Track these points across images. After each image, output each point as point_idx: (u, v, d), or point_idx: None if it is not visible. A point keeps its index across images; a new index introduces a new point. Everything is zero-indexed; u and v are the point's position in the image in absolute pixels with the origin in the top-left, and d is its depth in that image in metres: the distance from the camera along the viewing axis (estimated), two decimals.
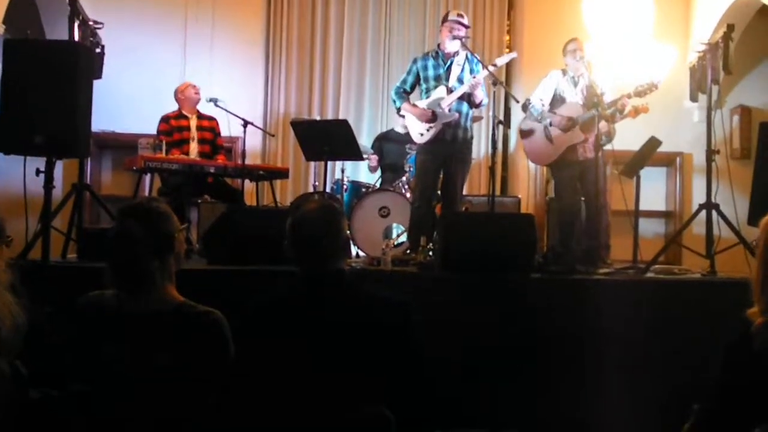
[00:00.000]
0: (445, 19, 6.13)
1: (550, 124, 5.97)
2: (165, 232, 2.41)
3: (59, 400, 2.08)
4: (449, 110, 5.96)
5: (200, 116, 7.05)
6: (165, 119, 6.90)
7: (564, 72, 6.11)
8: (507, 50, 8.62)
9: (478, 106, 6.15)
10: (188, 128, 6.93)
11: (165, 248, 2.40)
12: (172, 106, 7.07)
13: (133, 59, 7.92)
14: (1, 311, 1.83)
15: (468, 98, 6.02)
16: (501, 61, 6.34)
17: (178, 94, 7.05)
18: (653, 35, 7.74)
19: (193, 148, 6.85)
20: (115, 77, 6.74)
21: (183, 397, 2.24)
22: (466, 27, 6.07)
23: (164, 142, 6.52)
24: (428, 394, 2.42)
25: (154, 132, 6.82)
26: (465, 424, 4.42)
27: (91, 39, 5.70)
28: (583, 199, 6.12)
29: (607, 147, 6.38)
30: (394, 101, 6.29)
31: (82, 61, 4.56)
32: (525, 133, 6.21)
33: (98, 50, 5.83)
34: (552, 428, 4.50)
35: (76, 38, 5.26)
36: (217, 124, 7.09)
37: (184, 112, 6.98)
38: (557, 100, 6.08)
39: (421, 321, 2.47)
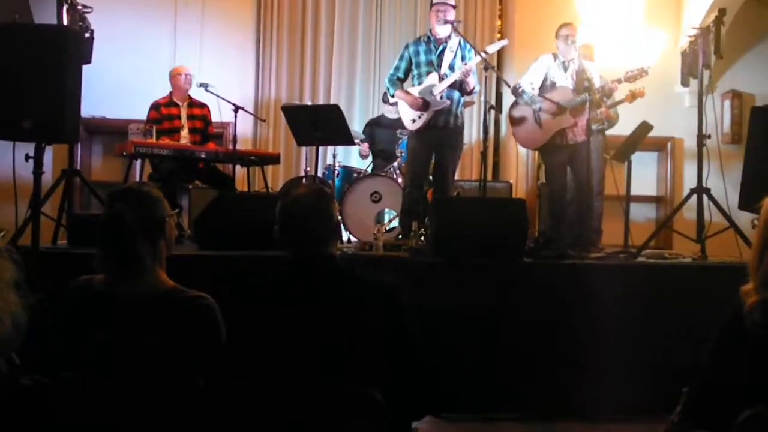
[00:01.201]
0: (431, 4, 6.11)
1: (540, 110, 5.97)
2: (156, 216, 2.40)
3: (50, 387, 2.07)
4: (441, 97, 5.94)
5: (191, 103, 6.95)
6: (155, 106, 6.82)
7: (555, 56, 6.10)
8: (498, 35, 8.61)
9: (470, 93, 6.14)
10: (178, 116, 6.85)
11: (156, 233, 2.39)
12: (162, 92, 7.02)
13: (122, 44, 7.86)
14: (3, 313, 1.80)
15: (460, 86, 6.00)
16: (492, 48, 6.32)
17: (171, 78, 6.97)
18: (644, 20, 7.75)
19: (184, 136, 6.77)
20: (105, 62, 6.68)
21: (173, 382, 2.24)
22: (453, 7, 6.05)
23: (155, 127, 6.47)
24: (419, 378, 2.42)
25: (145, 118, 6.78)
26: (457, 408, 4.44)
27: (80, 23, 5.66)
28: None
29: (609, 132, 6.43)
30: (388, 89, 6.30)
31: (71, 45, 4.52)
32: (514, 120, 6.21)
33: (87, 35, 5.78)
34: (544, 410, 4.52)
35: (65, 22, 5.23)
36: (209, 111, 6.99)
37: (175, 99, 6.89)
38: (547, 85, 6.07)
39: (413, 305, 2.47)
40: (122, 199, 2.36)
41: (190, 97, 6.97)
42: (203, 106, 7.00)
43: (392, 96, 6.32)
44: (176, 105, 6.88)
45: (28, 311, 1.85)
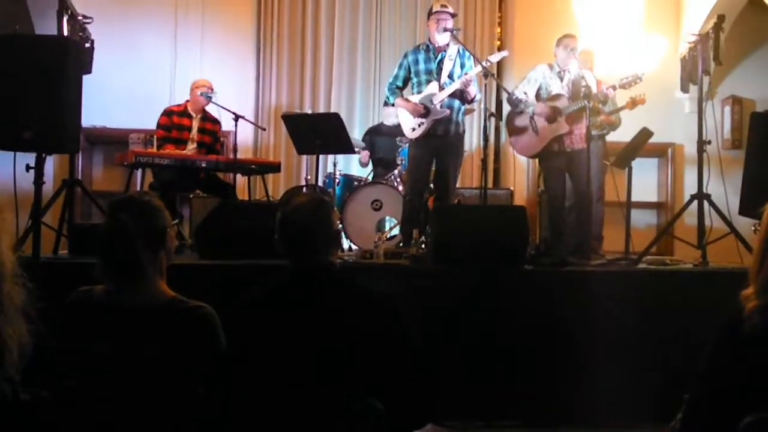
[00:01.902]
0: (430, 12, 6.11)
1: (534, 114, 5.99)
2: (157, 226, 2.40)
3: (50, 400, 2.06)
4: (441, 107, 5.95)
5: (204, 117, 6.85)
6: (168, 113, 6.75)
7: (551, 67, 6.11)
8: (498, 43, 8.65)
9: (471, 102, 6.13)
10: (189, 128, 6.76)
11: (157, 243, 2.38)
12: (163, 101, 7.02)
13: (123, 54, 7.89)
14: (10, 339, 1.81)
15: (460, 95, 6.01)
16: (494, 58, 6.34)
17: (191, 89, 6.84)
18: (644, 26, 7.76)
19: (190, 149, 6.70)
20: (105, 72, 6.71)
21: (174, 392, 2.24)
22: (453, 15, 6.05)
23: (155, 137, 6.46)
24: (420, 386, 2.42)
25: (146, 126, 6.77)
26: (458, 416, 4.43)
27: (81, 34, 5.67)
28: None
29: (610, 138, 6.44)
30: (388, 98, 6.30)
31: (72, 55, 4.53)
32: (512, 128, 6.24)
33: (88, 45, 5.80)
34: (545, 417, 4.51)
35: (65, 33, 5.24)
36: (220, 128, 6.92)
37: (189, 110, 6.80)
38: (542, 94, 6.08)
39: (414, 313, 2.47)
40: (124, 209, 2.35)
41: (204, 111, 6.88)
42: (216, 122, 6.91)
43: (392, 105, 6.32)
44: (189, 116, 6.78)
45: (33, 337, 1.86)
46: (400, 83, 6.17)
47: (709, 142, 5.65)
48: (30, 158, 4.54)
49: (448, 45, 6.05)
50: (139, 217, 2.34)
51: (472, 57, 6.05)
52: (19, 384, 1.85)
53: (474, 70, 5.96)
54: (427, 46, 6.11)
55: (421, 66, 6.06)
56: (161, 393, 2.23)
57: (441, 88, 5.96)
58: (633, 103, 6.30)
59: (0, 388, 1.82)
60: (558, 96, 5.99)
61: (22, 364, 1.83)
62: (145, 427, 2.23)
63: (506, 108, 6.76)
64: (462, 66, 6.03)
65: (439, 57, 6.04)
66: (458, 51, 6.07)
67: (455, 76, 5.99)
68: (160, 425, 2.23)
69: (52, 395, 2.06)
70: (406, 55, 6.20)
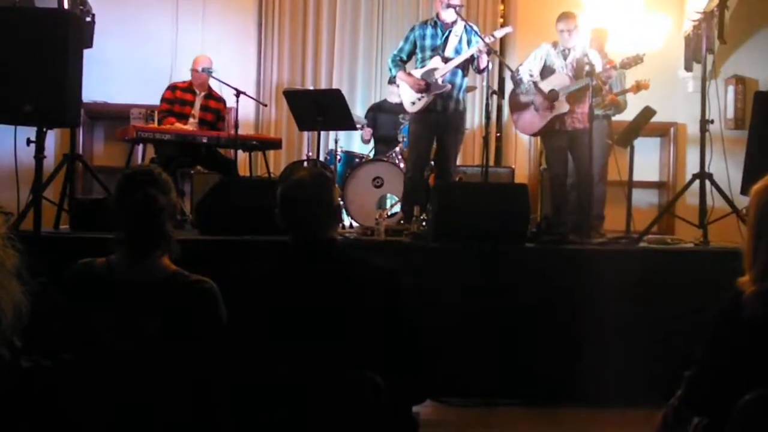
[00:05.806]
0: None
1: (533, 103, 5.97)
2: (174, 200, 2.45)
3: (51, 370, 2.07)
4: (442, 81, 5.92)
5: (208, 95, 6.86)
6: (172, 88, 6.78)
7: (555, 45, 6.08)
8: (501, 20, 8.58)
9: (482, 71, 6.05)
10: (191, 104, 6.76)
11: (173, 216, 2.45)
12: (164, 76, 7.00)
13: (124, 28, 7.84)
14: (5, 302, 1.80)
15: (463, 69, 5.98)
16: (498, 33, 6.30)
17: (192, 68, 6.84)
18: (648, 4, 7.70)
19: (192, 124, 6.68)
20: (106, 47, 6.68)
21: (174, 365, 2.25)
22: None
23: (156, 112, 6.45)
24: (419, 362, 2.42)
25: (147, 102, 6.76)
26: (458, 392, 4.45)
27: (81, 7, 5.63)
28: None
29: (615, 118, 6.43)
30: (390, 69, 6.26)
31: (72, 29, 4.51)
32: (513, 106, 6.21)
33: (88, 19, 5.76)
34: (544, 395, 4.53)
35: (66, 6, 5.21)
36: (225, 106, 6.92)
37: (194, 88, 6.80)
38: (546, 72, 6.05)
39: (414, 290, 2.47)
40: (150, 183, 2.38)
41: (209, 88, 6.89)
42: (220, 100, 6.93)
43: (394, 77, 6.29)
44: (193, 92, 6.80)
45: (30, 298, 1.85)
46: (404, 56, 6.13)
47: (712, 122, 5.62)
48: (30, 132, 4.53)
49: (455, 22, 6.01)
50: (164, 191, 2.38)
51: (477, 33, 6.01)
52: (20, 351, 1.85)
53: (480, 44, 5.90)
54: (435, 22, 6.06)
55: (428, 42, 6.02)
56: (162, 366, 2.24)
57: (445, 61, 5.92)
58: (637, 88, 6.31)
59: None
60: (559, 74, 5.96)
61: (21, 326, 1.83)
62: (144, 399, 2.24)
63: (508, 86, 6.74)
64: (469, 42, 5.99)
65: (446, 33, 6.00)
66: (465, 28, 6.02)
67: (462, 52, 5.95)
68: (159, 398, 2.24)
69: (53, 364, 2.07)
70: (413, 29, 6.16)
